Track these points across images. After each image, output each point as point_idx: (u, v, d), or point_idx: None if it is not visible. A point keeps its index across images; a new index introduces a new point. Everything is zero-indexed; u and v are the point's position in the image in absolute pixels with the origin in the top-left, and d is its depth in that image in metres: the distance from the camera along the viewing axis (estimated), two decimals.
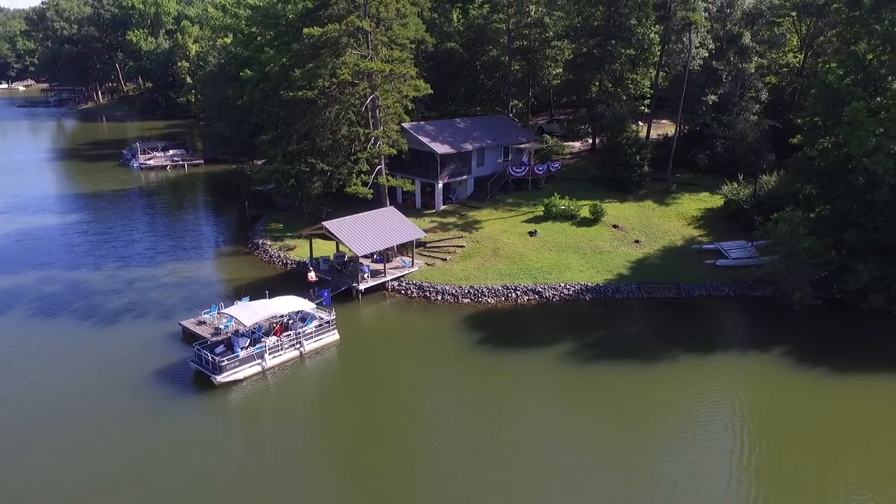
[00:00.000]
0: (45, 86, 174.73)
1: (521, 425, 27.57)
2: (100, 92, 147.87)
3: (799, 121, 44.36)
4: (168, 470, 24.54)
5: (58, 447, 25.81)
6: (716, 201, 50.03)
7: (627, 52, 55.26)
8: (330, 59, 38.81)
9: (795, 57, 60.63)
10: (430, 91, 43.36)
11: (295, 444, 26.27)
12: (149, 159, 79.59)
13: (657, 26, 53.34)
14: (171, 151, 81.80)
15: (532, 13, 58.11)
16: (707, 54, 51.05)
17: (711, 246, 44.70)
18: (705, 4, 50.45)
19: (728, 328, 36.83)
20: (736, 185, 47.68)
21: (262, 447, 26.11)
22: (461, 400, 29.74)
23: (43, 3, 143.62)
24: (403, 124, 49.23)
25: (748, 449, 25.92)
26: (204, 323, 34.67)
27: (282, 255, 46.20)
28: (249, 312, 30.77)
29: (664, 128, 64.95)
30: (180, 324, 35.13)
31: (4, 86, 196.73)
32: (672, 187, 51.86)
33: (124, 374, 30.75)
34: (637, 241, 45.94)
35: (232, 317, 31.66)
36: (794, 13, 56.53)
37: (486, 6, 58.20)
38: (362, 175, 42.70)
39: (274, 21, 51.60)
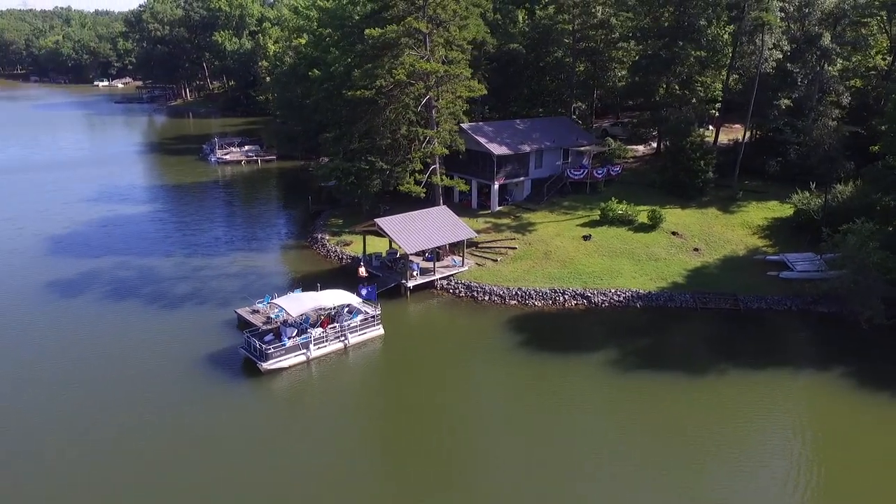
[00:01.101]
0: (140, 83, 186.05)
1: (558, 431, 27.41)
2: (188, 90, 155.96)
3: (883, 127, 41.70)
4: (205, 447, 25.89)
5: (103, 419, 27.70)
6: (785, 211, 47.72)
7: (697, 53, 53.47)
8: (388, 59, 39.67)
9: (884, 59, 56.88)
10: (484, 92, 43.58)
11: (330, 432, 27.15)
12: (225, 154, 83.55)
13: (729, 27, 51.33)
14: (246, 147, 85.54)
15: (598, 14, 57.15)
16: (781, 56, 48.67)
17: (776, 257, 42.68)
18: (781, 4, 48.14)
19: (785, 344, 35.03)
20: (807, 194, 45.33)
21: (299, 433, 27.12)
22: (499, 401, 29.85)
23: (140, 6, 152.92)
24: (462, 125, 49.61)
25: (799, 475, 24.58)
26: (257, 312, 36.22)
27: (337, 250, 47.55)
28: (296, 303, 31.99)
29: (735, 132, 62.40)
30: (235, 312, 36.86)
31: (106, 83, 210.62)
32: (738, 195, 49.82)
33: (178, 356, 32.61)
34: (696, 250, 44.45)
35: (281, 307, 32.92)
36: (882, 13, 53.02)
37: (551, 7, 57.68)
38: (416, 174, 43.33)
39: (340, 22, 53.11)
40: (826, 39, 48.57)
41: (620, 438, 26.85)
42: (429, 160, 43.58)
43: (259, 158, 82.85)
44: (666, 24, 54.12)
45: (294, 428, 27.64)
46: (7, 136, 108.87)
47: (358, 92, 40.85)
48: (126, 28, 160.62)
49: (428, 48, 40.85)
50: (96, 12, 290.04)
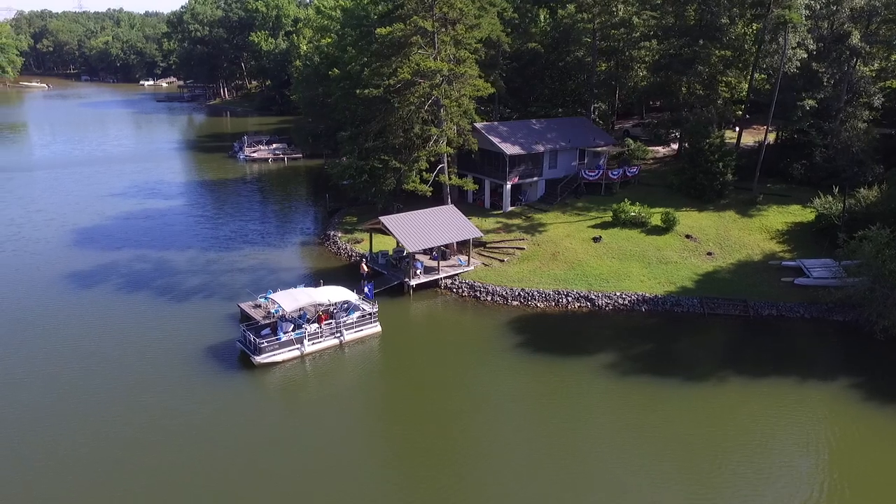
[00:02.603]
0: (181, 83, 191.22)
1: (549, 432, 27.09)
2: (226, 89, 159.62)
3: None
4: (187, 436, 26.40)
5: (89, 403, 28.52)
6: (807, 215, 46.09)
7: (720, 52, 52.08)
8: (395, 58, 39.83)
9: None
10: (491, 91, 43.30)
11: (315, 427, 27.36)
12: (253, 152, 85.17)
13: (753, 25, 49.85)
14: (273, 145, 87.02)
15: (619, 13, 56.21)
16: (806, 55, 47.00)
17: (793, 263, 41.26)
18: (807, 1, 46.51)
19: (793, 353, 33.78)
20: (829, 199, 43.73)
21: (283, 425, 27.45)
22: (490, 401, 29.58)
23: (182, 7, 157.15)
24: (476, 124, 49.44)
25: (806, 491, 23.62)
26: (259, 306, 36.78)
27: (348, 248, 47.97)
28: (291, 299, 32.37)
29: (761, 134, 60.44)
30: (239, 306, 37.52)
31: (151, 82, 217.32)
32: (758, 198, 48.32)
33: (178, 347, 33.39)
34: (709, 254, 43.31)
35: (277, 303, 33.34)
36: None
37: (571, 5, 56.99)
38: (422, 173, 43.36)
39: (358, 22, 53.56)
40: (855, 38, 46.69)
41: (614, 444, 26.31)
42: (433, 159, 43.49)
43: (286, 157, 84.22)
44: (692, 23, 52.84)
45: (278, 421, 27.99)
46: (53, 133, 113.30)
47: (367, 91, 41.11)
48: (168, 28, 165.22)
49: (436, 47, 40.83)
50: (146, 13, 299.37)
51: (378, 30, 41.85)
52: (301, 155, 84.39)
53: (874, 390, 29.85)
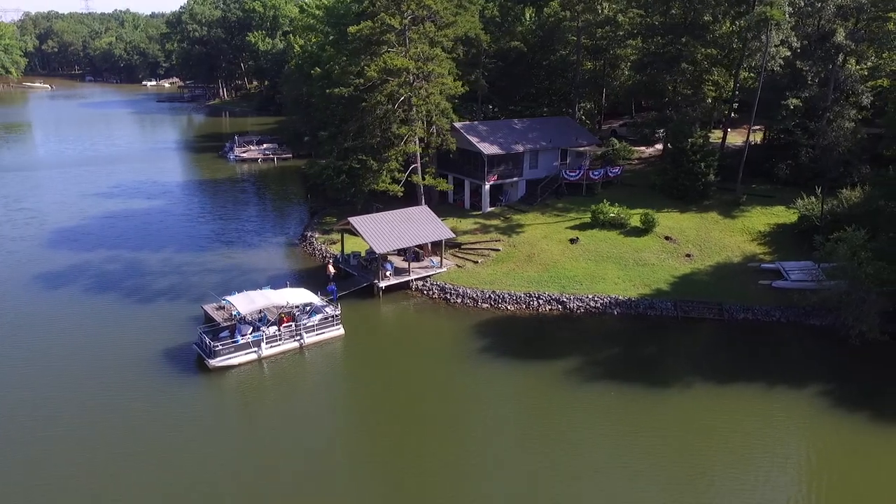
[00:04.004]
0: (181, 83, 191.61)
1: (505, 438, 26.40)
2: (226, 89, 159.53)
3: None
4: (124, 438, 25.85)
5: (38, 404, 28.04)
6: (790, 217, 45.05)
7: (706, 51, 51.09)
8: (364, 56, 39.21)
9: None
10: (463, 91, 42.57)
11: (265, 433, 26.74)
12: (243, 152, 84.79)
13: (736, 22, 48.85)
14: (264, 145, 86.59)
15: (604, 10, 55.31)
16: (789, 53, 45.96)
17: (772, 265, 40.31)
18: None
19: (765, 358, 32.80)
20: (812, 200, 42.72)
21: (233, 430, 26.85)
22: (449, 405, 28.89)
23: (181, 7, 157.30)
24: (455, 124, 48.72)
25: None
26: (222, 308, 36.21)
27: (323, 249, 47.38)
28: (247, 301, 31.79)
29: (753, 134, 59.33)
30: (202, 307, 36.98)
31: (154, 83, 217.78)
32: (742, 199, 47.32)
33: (135, 350, 32.81)
34: (688, 255, 42.39)
35: (233, 305, 32.73)
36: None
37: (555, 2, 56.15)
38: (393, 173, 42.68)
39: (336, 20, 53.02)
40: (840, 35, 45.60)
41: (574, 451, 25.55)
42: (400, 159, 42.74)
43: (276, 157, 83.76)
44: (673, 21, 51.89)
45: (225, 425, 27.40)
46: (49, 133, 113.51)
47: (336, 90, 40.51)
48: (168, 29, 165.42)
49: (406, 45, 40.15)
50: (151, 14, 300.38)
51: (350, 28, 41.22)
52: (291, 155, 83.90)
53: (840, 398, 28.88)
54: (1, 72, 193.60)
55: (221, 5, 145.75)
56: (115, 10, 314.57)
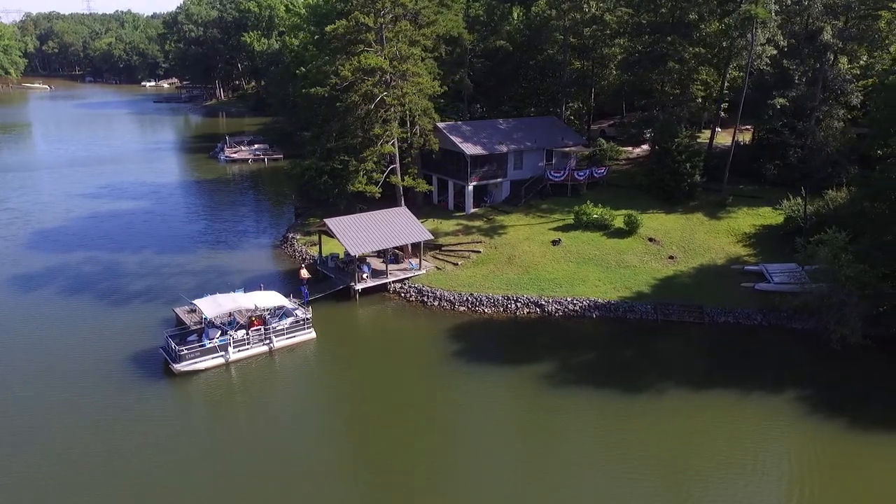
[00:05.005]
0: (179, 84, 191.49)
1: (479, 444, 25.84)
2: (222, 89, 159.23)
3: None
4: (88, 447, 25.32)
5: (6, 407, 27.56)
6: (776, 218, 44.29)
7: (694, 50, 50.41)
8: (340, 56, 38.66)
9: None
10: (443, 90, 41.96)
11: (229, 438, 26.20)
12: (234, 153, 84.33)
13: (722, 21, 48.14)
14: (255, 146, 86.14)
15: (591, 9, 54.62)
16: (776, 52, 45.22)
17: (756, 268, 39.58)
18: None
19: (744, 363, 32.00)
20: (798, 201, 41.99)
21: (198, 436, 26.30)
22: (418, 410, 28.29)
23: (177, 7, 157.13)
24: (438, 124, 48.12)
25: None
26: (194, 311, 35.65)
27: (304, 250, 46.83)
28: (214, 304, 31.23)
29: (743, 134, 58.62)
30: (174, 310, 36.45)
31: (152, 83, 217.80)
32: (728, 199, 46.59)
33: (103, 353, 32.30)
34: (671, 257, 41.70)
35: (200, 308, 32.17)
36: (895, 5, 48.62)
37: (542, 1, 55.49)
38: (371, 174, 42.09)
39: (319, 19, 52.49)
40: (827, 34, 44.84)
41: (549, 456, 24.96)
42: (375, 159, 42.13)
43: (266, 157, 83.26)
44: (660, 20, 51.21)
45: (187, 431, 26.84)
46: (44, 134, 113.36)
47: (312, 90, 39.96)
48: (165, 29, 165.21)
49: (383, 44, 39.56)
50: (152, 15, 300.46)
51: (327, 28, 40.67)
52: (282, 155, 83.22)
53: (821, 404, 28.17)
54: (0, 73, 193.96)
55: (217, 5, 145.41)
56: (117, 10, 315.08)
